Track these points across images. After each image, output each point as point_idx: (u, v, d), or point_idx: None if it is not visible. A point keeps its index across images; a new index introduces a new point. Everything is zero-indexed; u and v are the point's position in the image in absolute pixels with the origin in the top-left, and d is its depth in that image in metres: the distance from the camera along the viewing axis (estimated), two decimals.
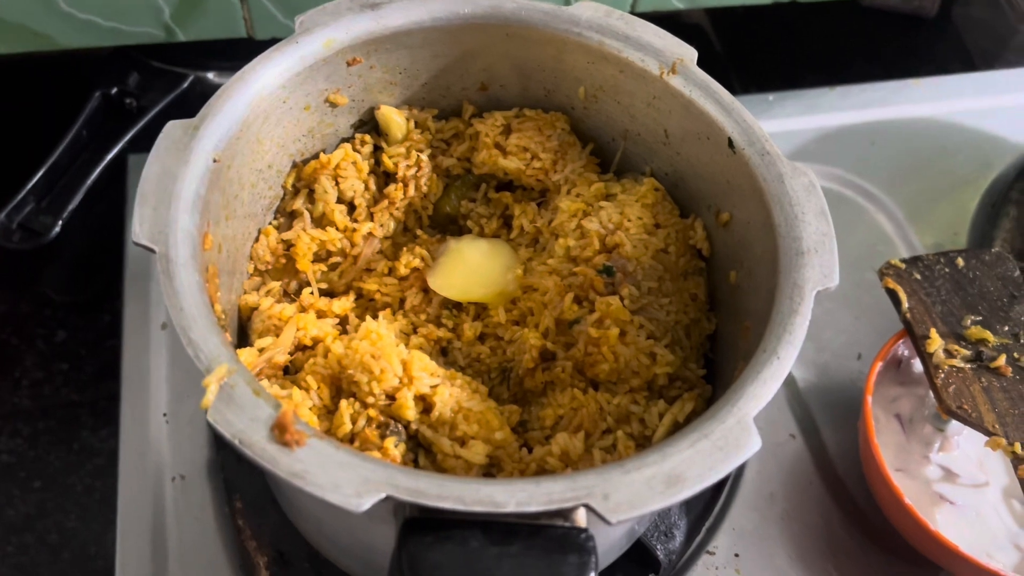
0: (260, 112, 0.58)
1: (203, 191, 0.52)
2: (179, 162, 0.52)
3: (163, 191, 0.51)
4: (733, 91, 0.61)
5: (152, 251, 0.49)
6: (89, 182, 0.88)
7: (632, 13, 0.62)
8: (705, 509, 0.75)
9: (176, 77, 0.95)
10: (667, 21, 0.63)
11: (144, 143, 0.92)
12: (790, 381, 0.84)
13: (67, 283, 0.96)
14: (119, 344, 0.82)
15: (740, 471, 0.78)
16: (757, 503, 0.76)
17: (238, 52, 0.96)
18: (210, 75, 0.96)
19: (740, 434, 0.46)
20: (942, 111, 1.04)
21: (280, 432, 0.43)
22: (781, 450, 0.79)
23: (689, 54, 0.62)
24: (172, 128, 0.54)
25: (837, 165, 0.98)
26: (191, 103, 0.96)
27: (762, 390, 0.48)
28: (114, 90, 0.92)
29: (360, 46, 0.62)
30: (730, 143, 0.59)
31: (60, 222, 0.85)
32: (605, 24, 0.62)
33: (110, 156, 0.89)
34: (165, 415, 0.76)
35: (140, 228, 0.50)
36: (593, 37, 0.62)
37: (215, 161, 0.54)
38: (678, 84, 0.61)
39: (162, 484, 0.73)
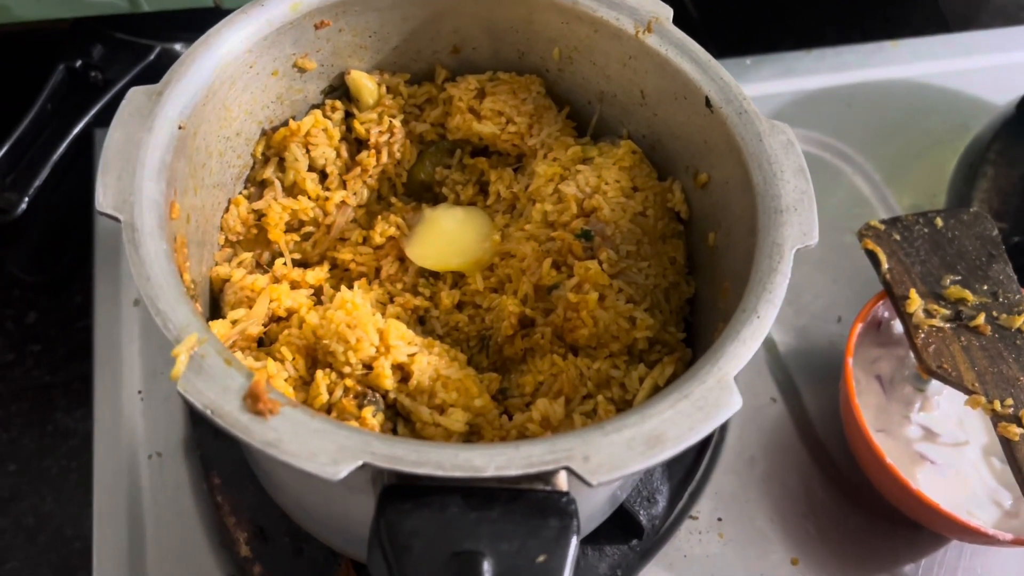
0: (226, 78, 0.57)
1: (169, 159, 0.51)
2: (143, 129, 0.51)
3: (127, 159, 0.50)
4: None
5: (117, 220, 0.48)
6: (55, 157, 0.86)
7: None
8: (687, 474, 0.75)
9: (142, 49, 0.92)
10: None
11: (110, 117, 0.89)
12: (770, 345, 0.83)
13: (35, 262, 0.94)
14: (91, 323, 0.80)
15: (721, 436, 0.78)
16: (738, 467, 0.76)
17: (206, 22, 0.93)
18: (177, 46, 0.94)
19: (720, 394, 0.45)
20: (919, 72, 1.03)
21: (253, 401, 0.42)
22: (762, 414, 0.79)
23: (664, 12, 0.60)
24: (135, 94, 0.52)
25: (814, 128, 0.97)
26: (158, 75, 0.93)
27: (742, 349, 0.47)
28: (78, 63, 0.90)
29: (328, 8, 0.60)
30: (707, 102, 0.58)
31: (26, 199, 0.83)
32: None
33: (76, 130, 0.87)
34: (140, 393, 0.75)
35: (104, 197, 0.48)
36: None
37: (180, 128, 0.52)
38: (654, 43, 0.60)
39: (137, 462, 0.72)
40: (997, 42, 1.08)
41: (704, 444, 0.77)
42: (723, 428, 0.78)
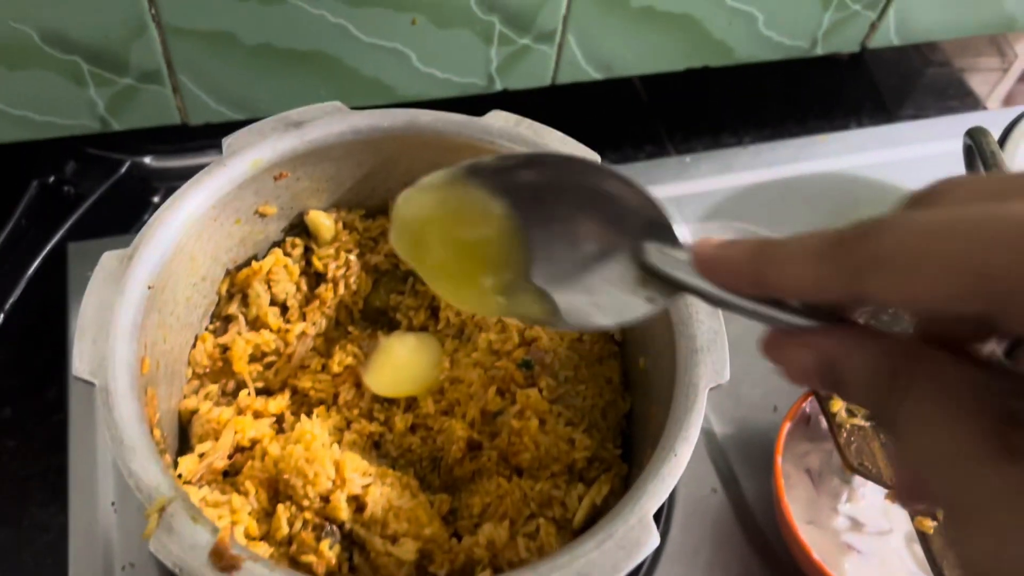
0: (192, 233, 0.61)
1: (140, 319, 0.56)
2: (115, 292, 0.56)
3: (101, 323, 0.54)
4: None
5: (92, 384, 0.52)
6: (30, 272, 0.90)
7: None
8: (636, 568, 0.79)
9: (113, 163, 0.97)
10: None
11: (84, 230, 0.94)
12: (711, 436, 0.89)
13: (11, 368, 0.98)
14: (66, 418, 0.84)
15: (667, 527, 0.83)
16: (682, 557, 0.81)
17: (174, 136, 0.98)
18: (147, 159, 0.98)
19: (641, 533, 0.50)
20: (848, 165, 1.10)
21: (217, 558, 0.47)
22: (704, 504, 0.84)
23: (592, 159, 0.66)
24: (107, 260, 0.57)
25: (750, 221, 1.03)
26: (129, 188, 0.98)
27: (660, 487, 0.52)
28: (51, 179, 0.94)
29: (286, 162, 0.65)
30: None
31: (2, 314, 0.87)
32: (515, 132, 0.67)
33: (50, 245, 0.91)
34: (113, 504, 0.79)
35: (80, 363, 0.53)
36: (504, 144, 0.67)
37: (150, 288, 0.57)
38: None
39: (112, 573, 0.76)
40: (921, 132, 1.15)
41: None
42: (667, 520, 0.83)
